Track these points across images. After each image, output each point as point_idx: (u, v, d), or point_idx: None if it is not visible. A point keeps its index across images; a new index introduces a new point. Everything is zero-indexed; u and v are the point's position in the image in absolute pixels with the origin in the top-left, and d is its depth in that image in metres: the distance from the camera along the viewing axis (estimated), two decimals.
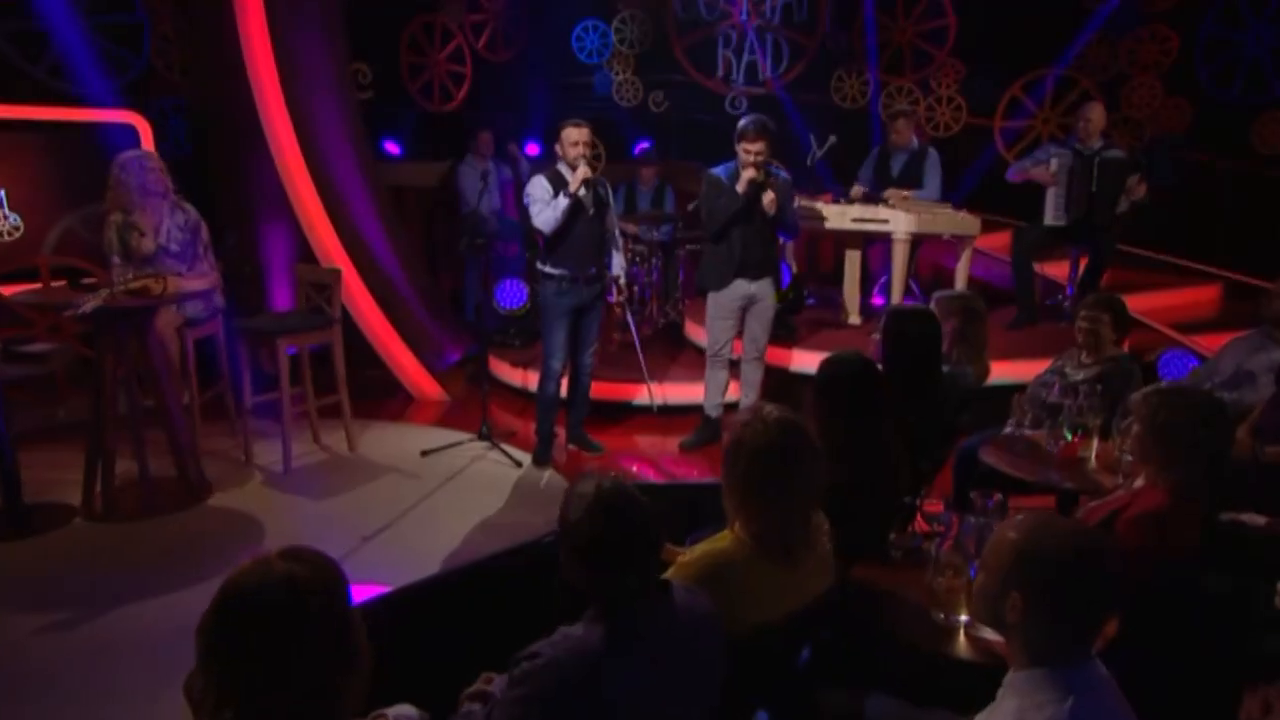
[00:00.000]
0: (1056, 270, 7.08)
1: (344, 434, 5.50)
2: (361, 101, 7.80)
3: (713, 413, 5.41)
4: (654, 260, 6.88)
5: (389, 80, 8.18)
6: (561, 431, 5.44)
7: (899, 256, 5.98)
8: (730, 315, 5.11)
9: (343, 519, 4.61)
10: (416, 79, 8.34)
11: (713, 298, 5.14)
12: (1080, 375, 4.25)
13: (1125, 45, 8.57)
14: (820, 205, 6.21)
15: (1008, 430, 3.87)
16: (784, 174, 4.94)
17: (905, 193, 6.38)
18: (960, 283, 6.41)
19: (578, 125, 4.81)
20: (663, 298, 6.97)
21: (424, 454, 5.38)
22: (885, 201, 6.21)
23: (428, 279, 7.29)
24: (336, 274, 5.44)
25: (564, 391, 5.27)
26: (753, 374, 5.21)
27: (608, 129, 8.78)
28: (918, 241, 6.38)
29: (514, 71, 8.80)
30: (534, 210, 4.81)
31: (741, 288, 5.01)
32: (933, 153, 6.61)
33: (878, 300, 6.64)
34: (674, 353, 6.62)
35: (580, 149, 4.75)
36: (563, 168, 4.85)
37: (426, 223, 8.03)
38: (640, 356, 5.91)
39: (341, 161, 6.56)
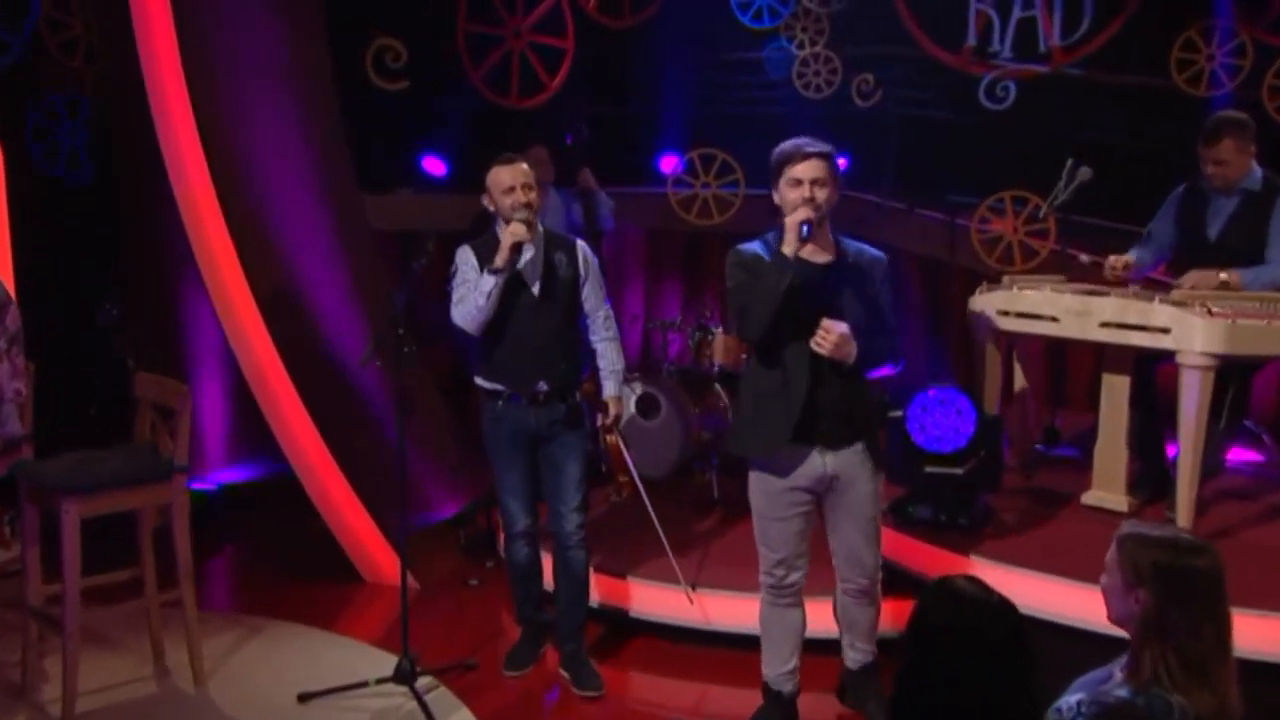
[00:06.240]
0: None
1: (197, 652, 4.96)
2: (391, 95, 7.74)
3: (781, 686, 4.48)
4: None
5: (436, 62, 7.97)
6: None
7: (1190, 394, 4.78)
8: (792, 512, 4.26)
9: None
10: (483, 59, 7.99)
11: (755, 477, 4.32)
12: None
13: None
14: (1046, 294, 5.23)
15: None
16: (871, 251, 4.34)
17: (1224, 274, 5.18)
18: None
19: (510, 162, 4.65)
20: None
21: (302, 699, 4.83)
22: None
23: (428, 381, 6.76)
24: (183, 395, 4.87)
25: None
26: (860, 615, 4.47)
27: (777, 134, 7.97)
28: (1252, 364, 5.25)
29: (641, 44, 8.43)
30: (454, 299, 4.71)
31: (811, 464, 4.19)
32: None
33: (1174, 451, 5.44)
34: None
35: (518, 196, 4.57)
36: (502, 229, 4.67)
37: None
38: (658, 528, 5.39)
39: (291, 197, 6.19)
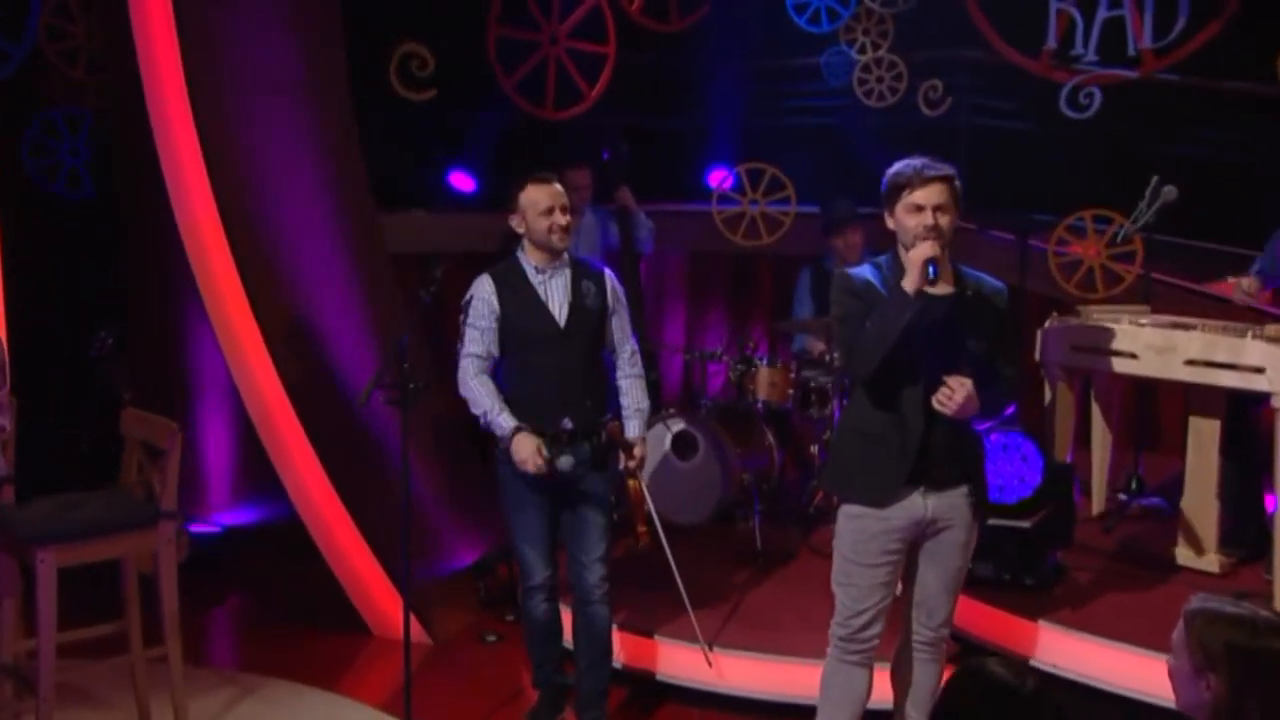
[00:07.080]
0: None
1: (183, 715, 4.93)
2: (416, 107, 7.71)
3: None
4: (838, 402, 6.34)
5: (467, 70, 7.89)
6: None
7: None
8: (882, 560, 4.26)
9: None
10: (516, 66, 7.92)
11: (849, 517, 4.28)
12: None
13: None
14: (1124, 327, 5.19)
15: None
16: (991, 281, 4.32)
17: None
18: None
19: (546, 181, 4.65)
20: None
21: None
22: None
23: (444, 412, 6.63)
24: (172, 433, 4.81)
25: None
26: (922, 674, 4.44)
27: (834, 147, 8.17)
28: None
29: (685, 51, 8.51)
30: (465, 341, 4.73)
31: (912, 505, 4.22)
32: None
33: (1272, 504, 5.45)
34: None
35: (556, 218, 4.60)
36: (525, 258, 4.72)
37: None
38: (679, 582, 5.29)
39: (301, 217, 6.21)
